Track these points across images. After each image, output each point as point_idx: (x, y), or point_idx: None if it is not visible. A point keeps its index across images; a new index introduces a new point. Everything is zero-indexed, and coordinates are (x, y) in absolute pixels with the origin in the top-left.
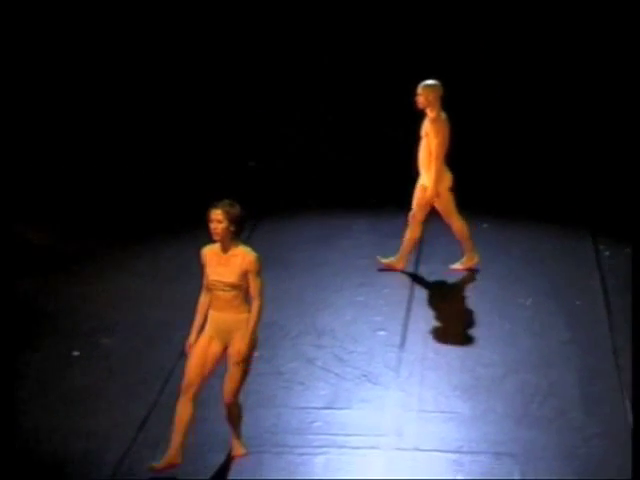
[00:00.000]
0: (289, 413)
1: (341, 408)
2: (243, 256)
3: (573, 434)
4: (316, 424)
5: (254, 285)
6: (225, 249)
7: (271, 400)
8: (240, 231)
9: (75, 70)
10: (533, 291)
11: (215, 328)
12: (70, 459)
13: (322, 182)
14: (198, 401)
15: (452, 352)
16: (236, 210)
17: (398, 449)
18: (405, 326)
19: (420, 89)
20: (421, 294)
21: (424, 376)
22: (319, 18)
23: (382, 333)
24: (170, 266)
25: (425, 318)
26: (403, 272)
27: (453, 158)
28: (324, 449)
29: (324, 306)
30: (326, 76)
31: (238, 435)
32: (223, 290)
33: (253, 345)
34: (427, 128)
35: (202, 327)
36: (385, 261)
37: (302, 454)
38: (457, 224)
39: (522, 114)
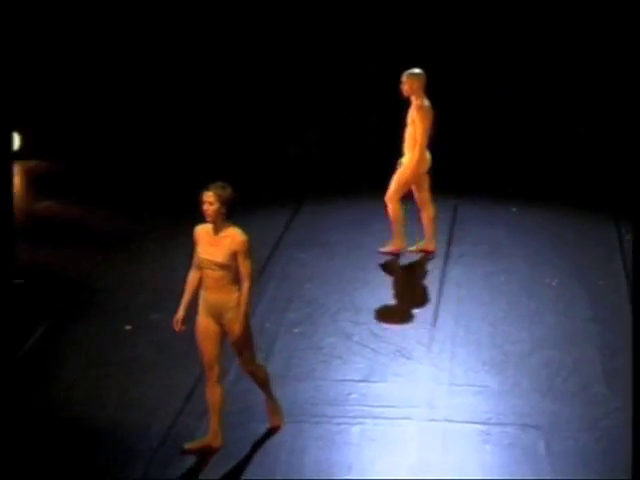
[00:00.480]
0: (327, 385)
1: (376, 381)
2: (233, 237)
3: (595, 407)
4: (353, 396)
5: (243, 266)
6: (217, 229)
7: (310, 373)
8: (232, 212)
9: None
10: (558, 272)
11: (207, 307)
12: (120, 427)
13: (359, 169)
14: (238, 374)
15: (481, 329)
16: (227, 192)
17: (430, 420)
18: (437, 305)
19: (404, 77)
20: (452, 274)
21: (455, 352)
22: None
23: (415, 311)
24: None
25: (456, 297)
26: (435, 253)
27: (484, 144)
28: (360, 419)
29: (362, 285)
30: (367, 64)
31: (273, 402)
32: (212, 269)
33: (246, 325)
34: (413, 115)
35: (190, 303)
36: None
37: (339, 424)
38: (394, 206)
39: (549, 100)
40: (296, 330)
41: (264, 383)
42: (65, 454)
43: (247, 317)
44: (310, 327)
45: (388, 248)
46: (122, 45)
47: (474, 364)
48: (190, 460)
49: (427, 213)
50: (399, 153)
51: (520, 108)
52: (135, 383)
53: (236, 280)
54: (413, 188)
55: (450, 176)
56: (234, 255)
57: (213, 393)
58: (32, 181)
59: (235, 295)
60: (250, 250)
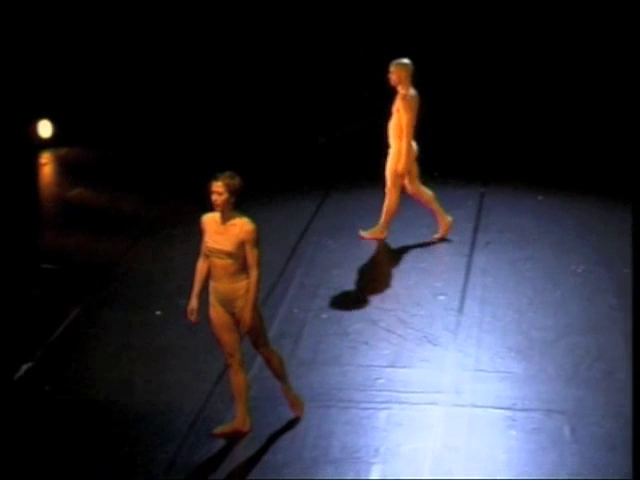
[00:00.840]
0: (354, 371)
1: (403, 367)
2: (241, 226)
3: (619, 394)
4: (379, 381)
5: (251, 255)
6: (224, 219)
7: (338, 359)
8: (239, 202)
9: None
10: (584, 260)
11: (217, 297)
12: (150, 410)
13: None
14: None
15: (507, 316)
16: (236, 182)
17: (456, 405)
18: (463, 291)
19: (392, 67)
20: (479, 261)
21: (481, 338)
22: None
23: (442, 298)
24: None
25: (482, 284)
26: (461, 241)
27: (511, 133)
28: (387, 404)
29: (389, 271)
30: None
31: (289, 391)
32: (220, 258)
33: (255, 312)
34: (398, 104)
35: (201, 293)
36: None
37: (366, 409)
38: (392, 197)
39: (578, 87)
40: (324, 316)
41: (279, 370)
42: (96, 438)
43: (256, 305)
44: (337, 313)
45: (369, 234)
46: (152, 33)
47: (500, 350)
48: (219, 444)
49: (424, 197)
50: (433, 143)
51: (548, 95)
52: (165, 368)
53: (244, 269)
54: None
55: (476, 164)
56: (242, 244)
57: (237, 380)
58: (64, 168)
59: (244, 283)
60: (258, 239)
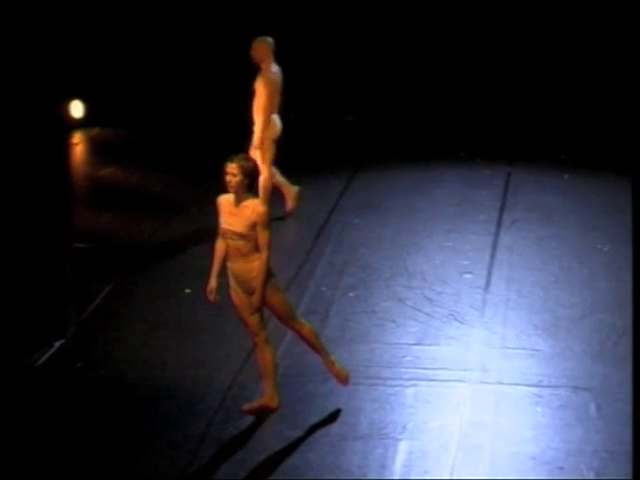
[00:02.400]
0: (382, 348)
1: (430, 344)
2: (253, 208)
3: None
4: (407, 359)
5: (262, 237)
6: (238, 200)
7: (365, 336)
8: (253, 184)
9: None
10: (610, 238)
11: (234, 279)
12: (180, 386)
13: (415, 136)
14: (297, 336)
15: (533, 294)
16: (250, 164)
17: (482, 382)
18: (489, 270)
19: (254, 44)
20: (505, 240)
21: (507, 316)
22: None
23: (468, 276)
24: (279, 212)
25: (508, 262)
26: (488, 220)
27: (538, 111)
28: (414, 382)
29: (415, 250)
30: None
31: (329, 359)
32: (232, 239)
33: (263, 292)
34: (258, 81)
35: (219, 273)
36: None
37: (393, 386)
38: (265, 176)
39: (606, 67)
40: (351, 294)
41: (312, 340)
42: (127, 414)
43: (264, 285)
44: (365, 291)
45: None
46: (182, 12)
47: (526, 328)
48: (248, 420)
49: (262, 180)
50: (460, 122)
51: (576, 73)
52: (195, 345)
53: (257, 249)
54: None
55: (503, 143)
56: (253, 225)
57: (263, 357)
58: (95, 148)
59: (257, 264)
60: (269, 221)
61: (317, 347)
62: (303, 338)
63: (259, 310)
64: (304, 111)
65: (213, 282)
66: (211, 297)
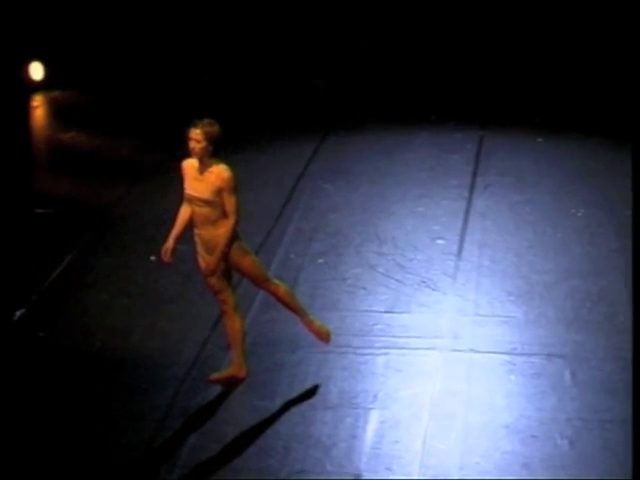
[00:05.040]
0: (352, 316)
1: (401, 312)
2: (218, 173)
3: (621, 337)
4: (378, 327)
5: (228, 202)
6: (203, 166)
7: (335, 304)
8: (219, 149)
9: None
10: (584, 203)
11: (202, 246)
12: (146, 356)
13: (385, 98)
14: (264, 303)
15: (507, 260)
16: (215, 130)
17: (455, 350)
18: (462, 235)
19: None
20: (478, 205)
21: (480, 282)
22: None
23: (440, 242)
24: (249, 176)
25: (481, 228)
26: (460, 184)
27: (510, 73)
28: (385, 350)
29: (386, 215)
30: None
31: (308, 320)
32: (198, 205)
33: (221, 258)
34: None
35: (179, 236)
36: None
37: (364, 354)
38: None
39: (580, 25)
40: (321, 261)
41: (289, 301)
42: (91, 385)
43: (225, 250)
44: (335, 258)
45: None
46: None
47: (499, 294)
48: (216, 390)
49: None
50: (430, 85)
51: (549, 33)
52: (160, 314)
53: (225, 215)
54: None
55: (475, 106)
56: (219, 191)
57: (232, 325)
58: (56, 112)
59: (224, 230)
60: (236, 186)
61: (294, 307)
62: (279, 299)
63: (213, 273)
64: (270, 74)
65: (170, 242)
66: (166, 257)
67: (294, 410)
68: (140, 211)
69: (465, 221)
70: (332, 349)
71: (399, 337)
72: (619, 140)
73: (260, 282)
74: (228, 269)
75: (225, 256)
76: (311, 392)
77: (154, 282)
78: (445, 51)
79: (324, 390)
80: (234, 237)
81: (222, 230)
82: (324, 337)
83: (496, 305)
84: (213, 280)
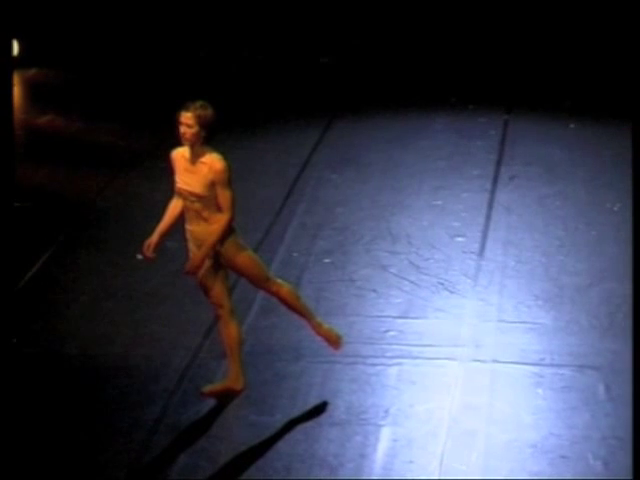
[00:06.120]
0: (361, 322)
1: (416, 317)
2: (211, 165)
3: None
4: (390, 334)
5: (222, 196)
6: (194, 155)
7: (342, 309)
8: (212, 136)
9: None
10: (621, 196)
11: (195, 243)
12: (131, 366)
13: (399, 79)
14: (262, 307)
15: (534, 260)
16: (209, 113)
17: (475, 360)
18: (484, 232)
19: None
20: (502, 198)
21: (504, 285)
22: None
23: (460, 239)
24: (247, 166)
25: (506, 224)
26: (482, 175)
27: (538, 51)
28: (398, 360)
29: (399, 210)
30: None
31: (317, 323)
32: (190, 200)
33: (205, 257)
34: None
35: (166, 231)
36: None
37: (375, 365)
38: None
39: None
40: (327, 260)
41: (293, 302)
42: (70, 397)
43: (213, 248)
44: (342, 257)
45: None
46: None
47: (525, 298)
48: (209, 403)
49: None
50: (449, 65)
51: (583, 8)
52: (148, 318)
53: (219, 210)
54: None
55: (500, 87)
56: (212, 185)
57: (228, 332)
58: (32, 92)
59: (217, 226)
60: (230, 179)
61: (299, 309)
62: (282, 301)
63: (196, 270)
64: (273, 53)
65: (155, 237)
66: (148, 252)
67: (296, 427)
68: (125, 203)
69: (488, 216)
70: (339, 359)
71: (413, 346)
72: None
73: (259, 282)
74: (224, 268)
75: (212, 252)
76: (316, 407)
77: (140, 283)
78: (466, 25)
79: (330, 404)
80: (227, 233)
81: (215, 227)
82: (334, 342)
83: (522, 310)
84: (211, 284)
